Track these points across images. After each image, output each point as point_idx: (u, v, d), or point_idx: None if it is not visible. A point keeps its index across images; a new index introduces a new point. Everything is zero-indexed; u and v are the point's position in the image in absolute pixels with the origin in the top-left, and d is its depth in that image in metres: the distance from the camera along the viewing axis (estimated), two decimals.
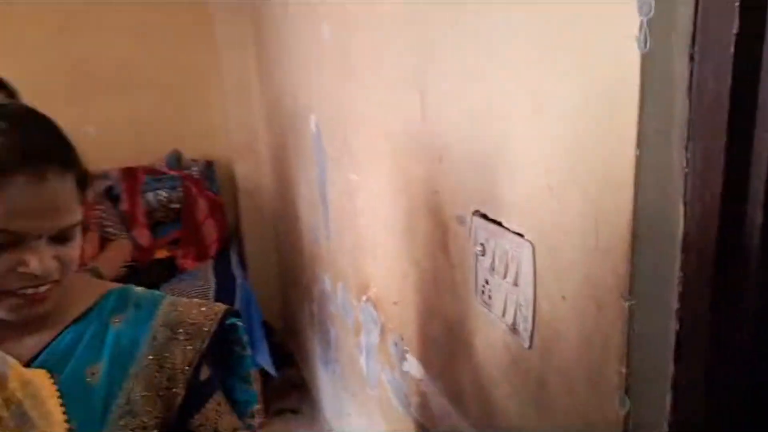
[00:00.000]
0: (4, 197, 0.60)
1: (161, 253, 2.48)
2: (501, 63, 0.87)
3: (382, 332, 1.60)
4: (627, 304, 0.68)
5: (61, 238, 0.65)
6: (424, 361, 1.34)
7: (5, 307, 0.64)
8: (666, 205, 0.65)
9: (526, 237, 0.86)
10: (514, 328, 0.91)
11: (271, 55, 2.52)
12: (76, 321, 0.72)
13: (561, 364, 0.82)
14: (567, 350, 0.80)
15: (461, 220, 1.05)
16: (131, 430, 0.70)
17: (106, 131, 2.66)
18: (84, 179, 0.69)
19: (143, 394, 0.72)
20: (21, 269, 0.62)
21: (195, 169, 2.73)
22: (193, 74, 2.83)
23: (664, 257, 0.66)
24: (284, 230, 2.82)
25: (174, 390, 0.74)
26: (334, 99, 1.76)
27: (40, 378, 0.53)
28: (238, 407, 0.85)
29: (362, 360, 1.83)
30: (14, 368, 0.50)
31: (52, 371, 0.67)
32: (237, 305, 2.40)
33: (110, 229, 1.96)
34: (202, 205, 2.63)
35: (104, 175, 2.50)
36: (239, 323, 0.84)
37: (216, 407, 0.78)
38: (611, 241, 0.69)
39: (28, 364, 0.66)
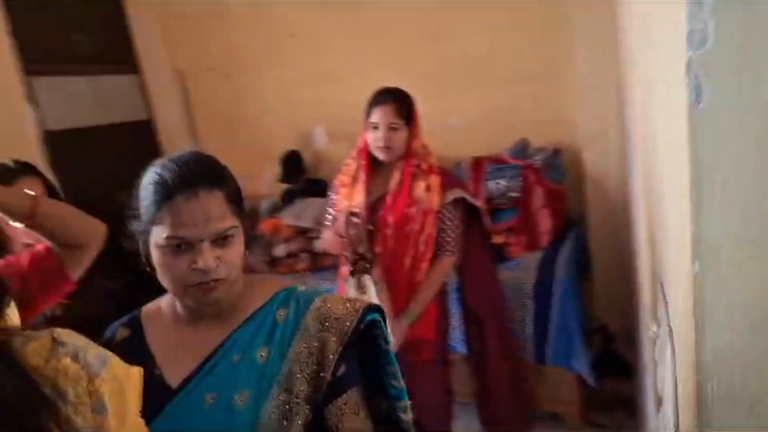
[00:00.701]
0: (171, 212, 0.84)
1: (497, 239, 2.65)
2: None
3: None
4: None
5: (220, 241, 0.86)
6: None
7: (189, 296, 0.89)
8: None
9: (674, 334, 0.61)
10: None
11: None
12: (254, 315, 0.94)
13: None
14: None
15: (661, 284, 0.79)
16: (287, 403, 0.88)
17: (465, 122, 2.99)
18: (235, 194, 0.89)
19: (297, 375, 0.88)
20: (193, 266, 0.85)
21: (538, 158, 2.74)
22: (547, 64, 2.81)
23: None
24: (626, 223, 2.53)
25: (322, 374, 0.88)
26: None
27: (131, 375, 0.74)
28: (391, 401, 0.94)
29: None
30: (110, 366, 0.71)
31: (236, 353, 0.91)
32: (555, 301, 2.35)
33: (448, 239, 1.90)
34: (539, 195, 2.64)
35: (457, 165, 2.83)
36: (379, 318, 0.92)
37: (343, 405, 0.89)
38: (686, 391, 0.44)
39: (217, 350, 0.91)
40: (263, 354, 0.91)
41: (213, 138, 3.75)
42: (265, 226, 2.87)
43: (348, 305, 0.91)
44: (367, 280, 1.63)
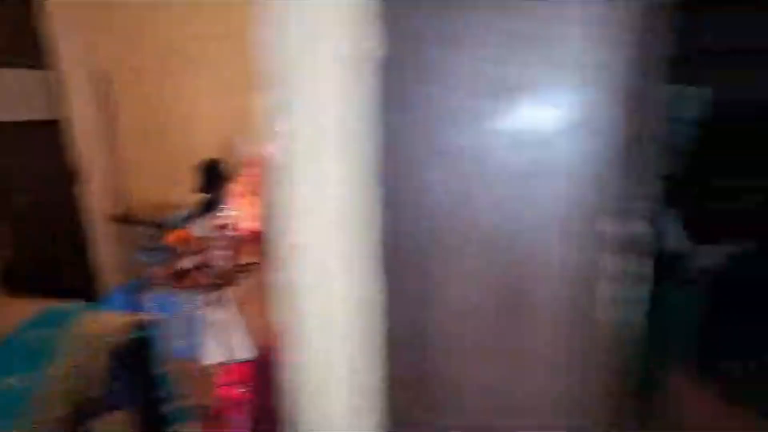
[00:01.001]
0: None
1: None
2: None
3: None
4: None
5: None
6: None
7: None
8: None
9: None
10: None
11: None
12: (2, 340, 0.81)
13: None
14: None
15: None
16: (47, 425, 0.77)
17: None
18: None
19: (60, 395, 0.78)
20: None
21: None
22: None
23: None
24: None
25: (86, 393, 0.79)
26: None
27: None
28: (166, 419, 0.86)
29: None
30: None
31: None
32: None
33: None
34: None
35: None
36: (145, 337, 0.83)
37: (110, 423, 0.80)
38: None
39: None
40: (15, 381, 0.78)
41: (134, 142, 3.57)
42: (171, 237, 2.69)
43: (114, 322, 0.82)
44: (226, 293, 1.50)
